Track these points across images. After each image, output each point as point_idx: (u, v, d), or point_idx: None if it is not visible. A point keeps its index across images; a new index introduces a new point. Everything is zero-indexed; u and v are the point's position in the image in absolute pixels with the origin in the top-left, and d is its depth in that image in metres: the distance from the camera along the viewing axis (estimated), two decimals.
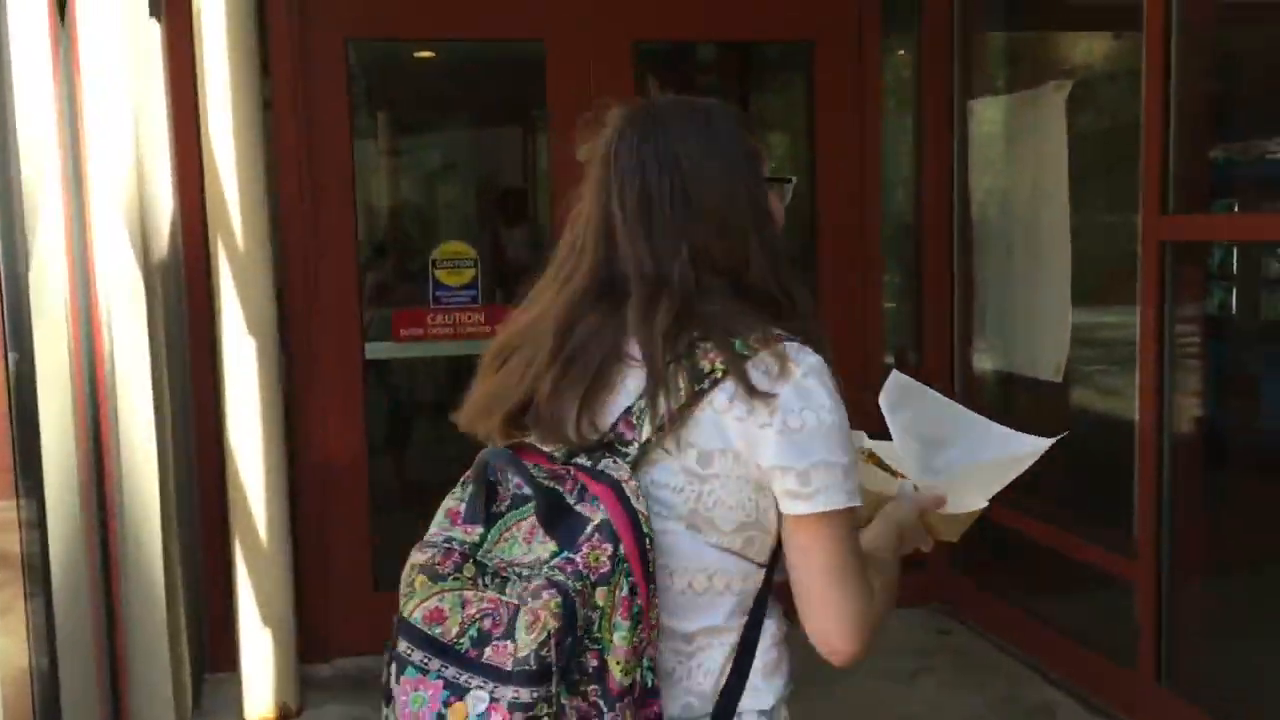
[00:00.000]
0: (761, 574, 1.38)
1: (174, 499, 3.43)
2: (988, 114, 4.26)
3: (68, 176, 2.72)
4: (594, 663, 1.24)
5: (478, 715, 1.22)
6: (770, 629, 1.41)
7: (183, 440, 3.83)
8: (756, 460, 1.31)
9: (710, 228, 1.35)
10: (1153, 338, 3.31)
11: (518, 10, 4.10)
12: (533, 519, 1.31)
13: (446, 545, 1.33)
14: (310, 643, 4.06)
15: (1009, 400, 4.50)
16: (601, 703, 1.25)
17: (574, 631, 1.22)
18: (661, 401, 1.31)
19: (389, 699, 1.32)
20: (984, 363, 4.30)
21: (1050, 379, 3.95)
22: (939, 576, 4.48)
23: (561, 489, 1.31)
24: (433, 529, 1.38)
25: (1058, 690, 3.75)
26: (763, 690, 1.40)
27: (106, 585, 2.91)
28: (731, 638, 1.38)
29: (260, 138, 3.69)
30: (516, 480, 1.35)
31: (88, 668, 2.71)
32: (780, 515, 1.34)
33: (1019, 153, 4.12)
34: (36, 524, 2.44)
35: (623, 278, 1.36)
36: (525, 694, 1.20)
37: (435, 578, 1.31)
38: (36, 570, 2.44)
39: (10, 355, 2.28)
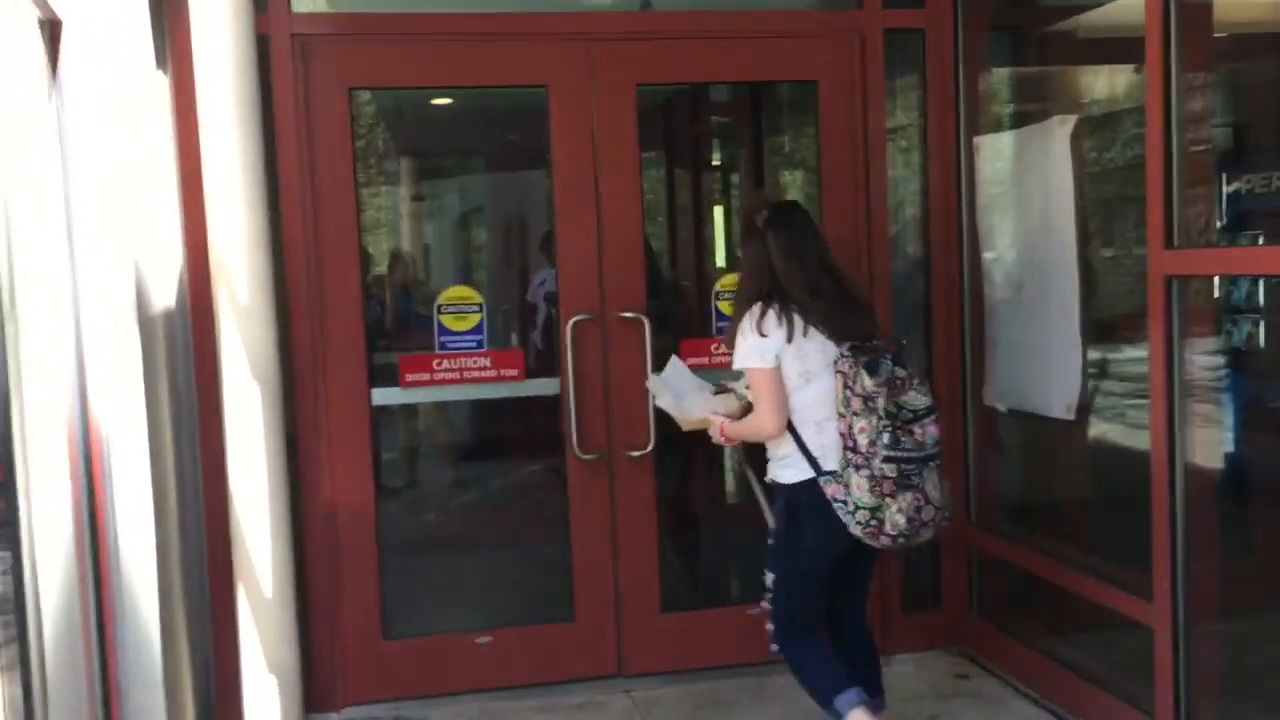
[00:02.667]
0: None
1: (177, 549, 3.42)
2: (994, 149, 4.22)
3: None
4: None
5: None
6: None
7: (191, 490, 3.83)
8: None
9: None
10: (1162, 372, 3.24)
11: (521, 57, 4.12)
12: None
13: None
14: (319, 692, 4.05)
15: (1027, 436, 4.43)
16: None
17: None
18: None
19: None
20: (996, 399, 4.22)
21: (1062, 417, 3.88)
22: (957, 619, 4.39)
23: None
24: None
25: None
26: None
27: (101, 639, 2.90)
28: None
29: (263, 187, 3.72)
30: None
31: None
32: None
33: (1026, 188, 4.07)
34: (29, 579, 2.44)
35: None
36: None
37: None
38: (27, 626, 2.43)
39: None
